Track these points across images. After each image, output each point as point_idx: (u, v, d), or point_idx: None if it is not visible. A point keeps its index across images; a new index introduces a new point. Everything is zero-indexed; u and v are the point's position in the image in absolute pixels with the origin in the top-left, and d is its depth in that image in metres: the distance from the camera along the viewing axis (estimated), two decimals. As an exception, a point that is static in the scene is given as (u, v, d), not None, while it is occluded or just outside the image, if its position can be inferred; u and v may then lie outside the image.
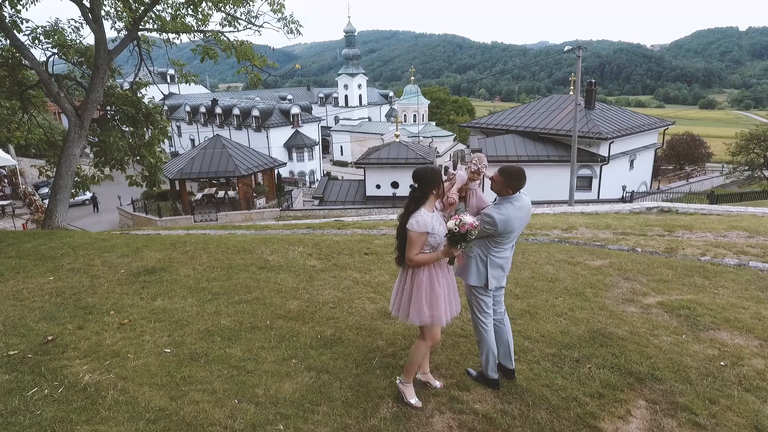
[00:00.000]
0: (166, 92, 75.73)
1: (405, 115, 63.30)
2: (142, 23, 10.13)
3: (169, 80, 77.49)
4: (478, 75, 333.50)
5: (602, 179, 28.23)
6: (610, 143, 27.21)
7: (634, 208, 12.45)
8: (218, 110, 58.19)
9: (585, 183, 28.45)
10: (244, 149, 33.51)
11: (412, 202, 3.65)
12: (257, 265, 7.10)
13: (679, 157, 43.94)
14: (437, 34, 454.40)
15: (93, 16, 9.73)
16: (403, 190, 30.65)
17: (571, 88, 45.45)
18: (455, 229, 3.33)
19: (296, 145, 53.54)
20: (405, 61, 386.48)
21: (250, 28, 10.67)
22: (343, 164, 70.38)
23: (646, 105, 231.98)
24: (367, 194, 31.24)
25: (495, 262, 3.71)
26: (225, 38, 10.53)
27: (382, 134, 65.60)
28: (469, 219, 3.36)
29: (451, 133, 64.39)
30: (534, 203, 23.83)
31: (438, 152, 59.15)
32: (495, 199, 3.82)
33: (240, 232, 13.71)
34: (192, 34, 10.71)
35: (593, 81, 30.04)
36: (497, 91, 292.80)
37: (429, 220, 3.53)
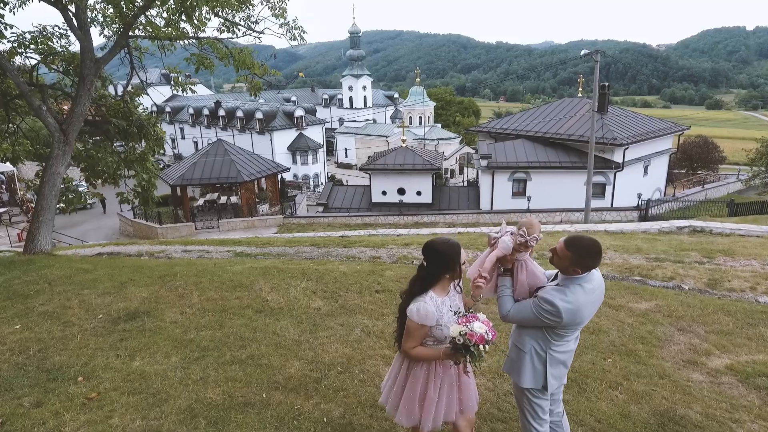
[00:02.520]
0: (169, 94, 75.32)
1: (410, 117, 62.43)
2: (132, 30, 9.32)
3: (172, 82, 76.87)
4: (483, 75, 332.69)
5: (616, 186, 27.29)
6: (625, 149, 26.28)
7: (663, 227, 11.54)
8: (221, 112, 57.48)
9: (598, 190, 27.50)
10: (246, 154, 32.73)
11: (418, 283, 2.87)
12: (254, 307, 6.26)
13: (692, 160, 42.86)
14: (442, 34, 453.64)
15: (78, 23, 8.92)
16: (410, 197, 29.81)
17: (580, 90, 44.57)
18: (459, 340, 2.56)
19: (300, 148, 52.74)
20: (409, 61, 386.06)
21: (249, 34, 9.86)
22: (348, 167, 69.58)
23: (652, 105, 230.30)
24: (373, 200, 30.39)
25: (556, 358, 2.85)
26: (222, 46, 9.71)
27: (387, 136, 64.78)
28: (480, 328, 2.54)
29: (457, 136, 63.50)
30: (546, 212, 23.01)
31: (444, 155, 58.19)
32: (556, 276, 2.93)
33: (240, 249, 12.93)
34: (187, 41, 9.90)
35: (606, 84, 29.05)
36: (502, 92, 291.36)
37: (434, 310, 2.77)
